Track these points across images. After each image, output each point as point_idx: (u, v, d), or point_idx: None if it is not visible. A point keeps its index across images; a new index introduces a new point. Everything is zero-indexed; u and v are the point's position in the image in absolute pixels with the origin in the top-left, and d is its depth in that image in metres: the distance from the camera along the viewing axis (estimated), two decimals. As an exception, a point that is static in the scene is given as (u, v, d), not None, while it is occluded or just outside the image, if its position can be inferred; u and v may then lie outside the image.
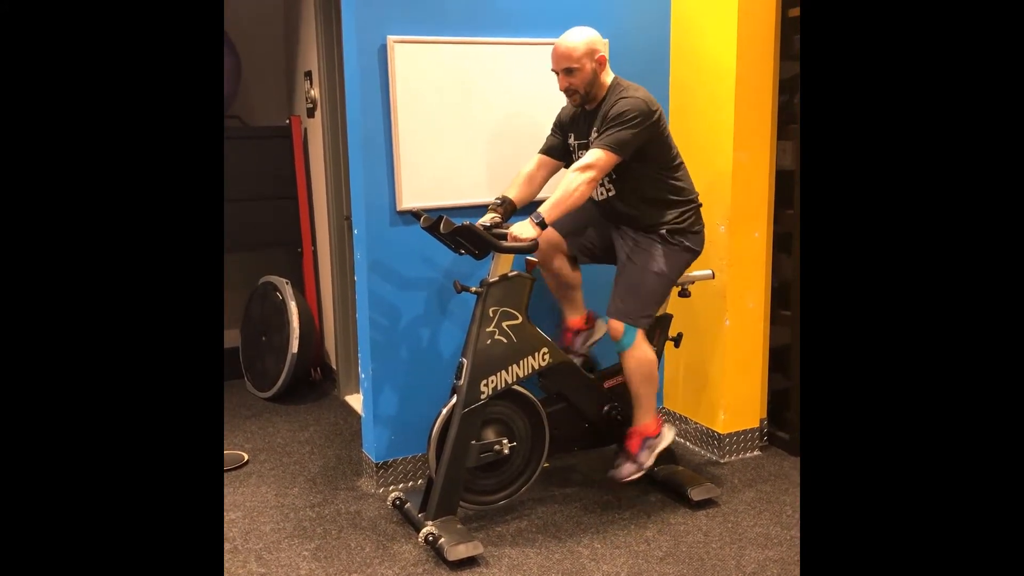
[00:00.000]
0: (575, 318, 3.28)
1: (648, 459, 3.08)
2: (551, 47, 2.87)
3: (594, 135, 2.86)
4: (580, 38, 2.83)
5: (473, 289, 2.91)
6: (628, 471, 3.08)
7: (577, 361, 3.18)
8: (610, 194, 3.01)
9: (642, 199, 2.97)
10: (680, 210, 2.98)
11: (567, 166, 3.10)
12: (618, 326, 2.96)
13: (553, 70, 2.89)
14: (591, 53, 2.83)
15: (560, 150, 3.09)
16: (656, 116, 2.85)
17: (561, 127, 3.09)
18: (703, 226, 3.07)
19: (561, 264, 3.17)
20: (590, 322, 3.30)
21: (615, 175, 2.93)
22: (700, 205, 3.06)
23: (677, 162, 3.00)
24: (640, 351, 2.98)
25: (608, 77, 2.91)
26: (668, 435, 3.13)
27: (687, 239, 3.01)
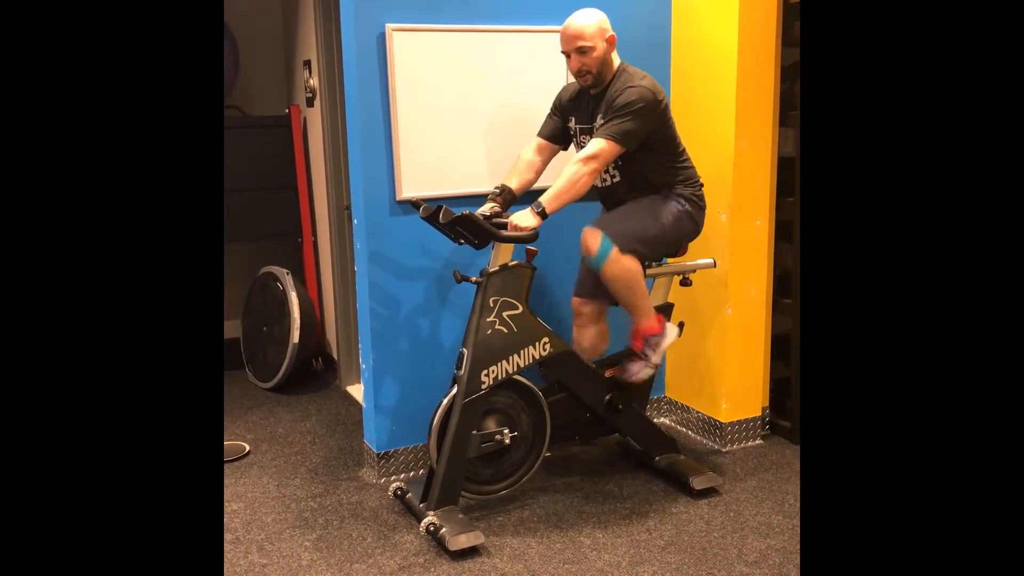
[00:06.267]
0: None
1: (654, 355, 3.01)
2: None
3: (599, 122, 2.85)
4: (591, 18, 2.82)
5: (473, 279, 2.90)
6: (636, 368, 3.03)
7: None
8: (615, 180, 2.99)
9: (646, 186, 2.95)
10: (686, 185, 2.99)
11: (566, 149, 3.08)
12: (595, 235, 2.83)
13: (564, 51, 2.86)
14: (602, 32, 2.82)
15: (560, 133, 3.07)
16: (662, 105, 2.83)
17: (562, 109, 3.07)
18: (705, 208, 3.06)
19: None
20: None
21: (620, 161, 2.91)
22: (703, 186, 3.06)
23: (681, 149, 2.99)
24: (618, 260, 2.84)
25: (616, 59, 2.90)
26: (672, 332, 3.05)
27: (691, 206, 2.98)
